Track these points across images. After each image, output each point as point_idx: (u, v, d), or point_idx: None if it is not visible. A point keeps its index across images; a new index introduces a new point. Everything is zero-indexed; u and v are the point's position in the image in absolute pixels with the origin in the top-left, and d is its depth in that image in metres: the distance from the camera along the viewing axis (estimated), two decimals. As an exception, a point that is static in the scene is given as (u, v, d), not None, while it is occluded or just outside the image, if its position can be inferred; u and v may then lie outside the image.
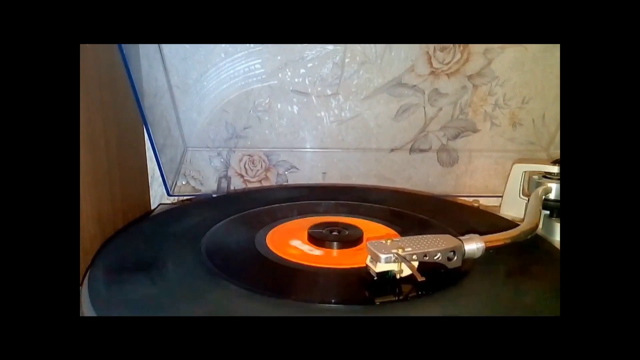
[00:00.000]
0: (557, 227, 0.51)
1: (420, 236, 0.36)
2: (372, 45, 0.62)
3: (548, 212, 0.53)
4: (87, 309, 0.31)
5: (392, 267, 0.34)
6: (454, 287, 0.34)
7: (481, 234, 0.37)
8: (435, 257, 0.35)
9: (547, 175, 0.54)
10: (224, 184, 0.67)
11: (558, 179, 0.53)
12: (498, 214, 0.58)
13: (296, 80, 0.64)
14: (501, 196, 0.61)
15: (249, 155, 0.69)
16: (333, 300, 0.34)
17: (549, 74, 0.64)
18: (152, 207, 0.70)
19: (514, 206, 0.58)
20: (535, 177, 0.55)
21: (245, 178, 0.70)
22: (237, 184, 0.70)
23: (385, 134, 0.68)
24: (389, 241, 0.35)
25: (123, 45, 0.48)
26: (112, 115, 0.53)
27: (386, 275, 0.34)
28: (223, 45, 0.61)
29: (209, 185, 0.69)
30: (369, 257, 0.35)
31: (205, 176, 0.69)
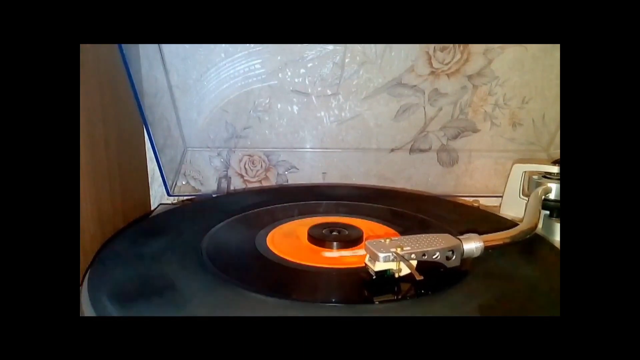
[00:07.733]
0: (557, 227, 0.51)
1: (419, 235, 0.36)
2: (372, 45, 0.62)
3: (548, 212, 0.53)
4: (87, 309, 0.31)
5: (391, 266, 0.34)
6: (453, 286, 0.34)
7: (481, 233, 0.37)
8: (434, 257, 0.34)
9: (547, 175, 0.54)
10: (224, 184, 0.67)
11: (558, 179, 0.53)
12: (498, 214, 0.58)
13: (296, 80, 0.64)
14: (501, 196, 0.61)
15: (249, 155, 0.69)
16: (332, 300, 0.34)
17: (549, 74, 0.64)
18: (152, 207, 0.70)
19: (514, 206, 0.58)
20: (535, 177, 0.55)
21: (245, 178, 0.70)
22: (237, 184, 0.70)
23: (385, 134, 0.68)
24: (387, 240, 0.35)
25: (123, 45, 0.48)
26: (112, 115, 0.53)
27: (385, 274, 0.34)
28: (223, 45, 0.61)
29: (209, 185, 0.69)
30: (367, 256, 0.35)
31: (205, 176, 0.69)
